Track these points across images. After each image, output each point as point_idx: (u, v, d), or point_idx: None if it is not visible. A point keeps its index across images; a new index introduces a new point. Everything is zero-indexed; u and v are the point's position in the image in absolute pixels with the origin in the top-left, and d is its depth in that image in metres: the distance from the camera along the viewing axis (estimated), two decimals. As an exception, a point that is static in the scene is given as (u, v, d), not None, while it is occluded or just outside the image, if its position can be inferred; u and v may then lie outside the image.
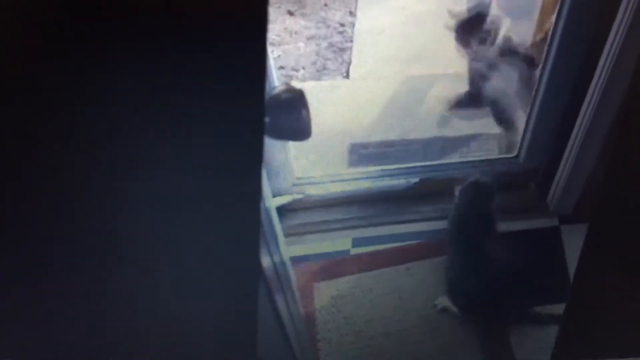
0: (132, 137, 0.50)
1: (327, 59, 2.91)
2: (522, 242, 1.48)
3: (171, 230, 0.51)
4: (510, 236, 1.60)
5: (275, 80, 1.52)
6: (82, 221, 0.49)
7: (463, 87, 1.98)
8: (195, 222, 0.51)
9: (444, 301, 1.48)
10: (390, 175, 1.84)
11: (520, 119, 2.04)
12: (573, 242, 1.34)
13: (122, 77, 0.51)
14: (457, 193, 1.59)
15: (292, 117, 0.67)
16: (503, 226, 1.78)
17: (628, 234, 0.85)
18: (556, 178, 1.73)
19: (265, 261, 0.89)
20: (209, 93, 0.52)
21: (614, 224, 0.85)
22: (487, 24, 1.83)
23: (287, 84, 0.69)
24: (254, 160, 0.51)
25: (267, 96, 0.65)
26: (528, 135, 1.80)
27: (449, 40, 2.91)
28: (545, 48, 1.66)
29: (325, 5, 3.17)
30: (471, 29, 1.81)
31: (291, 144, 1.67)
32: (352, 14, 3.14)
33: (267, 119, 0.64)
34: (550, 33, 1.67)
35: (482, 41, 1.84)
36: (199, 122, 0.51)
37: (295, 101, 0.67)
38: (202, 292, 0.52)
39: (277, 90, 0.67)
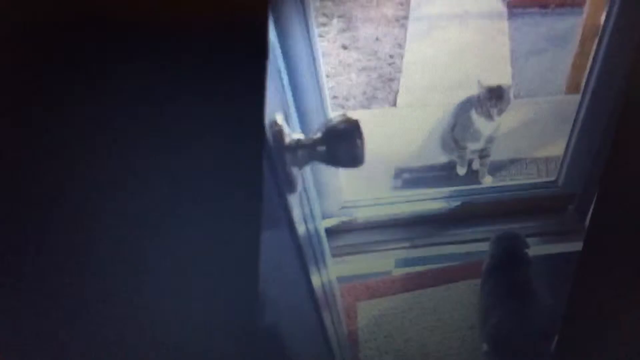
0: (130, 144, 0.48)
1: (377, 89, 2.88)
2: (559, 275, 1.38)
3: (168, 234, 0.49)
4: (548, 270, 1.50)
5: (329, 108, 1.50)
6: (81, 225, 0.47)
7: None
8: (193, 230, 0.49)
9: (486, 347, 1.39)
10: (433, 199, 1.79)
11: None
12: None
13: (122, 84, 0.49)
14: (490, 244, 1.50)
15: (348, 146, 0.65)
16: (542, 249, 1.70)
17: (625, 246, 0.78)
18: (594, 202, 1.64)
19: (315, 280, 0.86)
20: (207, 106, 0.50)
21: (611, 235, 0.78)
22: (506, 98, 1.86)
23: (344, 115, 0.67)
24: (253, 175, 0.49)
25: (324, 126, 0.65)
26: (567, 160, 1.71)
27: (490, 69, 2.83)
28: (585, 76, 1.56)
29: (377, 39, 3.14)
30: (493, 97, 1.82)
31: (341, 170, 1.65)
32: (401, 46, 3.10)
33: (323, 147, 0.63)
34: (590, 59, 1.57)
35: (500, 112, 1.84)
36: (197, 132, 0.49)
37: (352, 131, 0.66)
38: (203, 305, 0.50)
39: (334, 121, 0.66)
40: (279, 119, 0.60)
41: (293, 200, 0.67)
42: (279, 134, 0.60)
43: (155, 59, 0.49)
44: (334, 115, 0.78)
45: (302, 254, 0.70)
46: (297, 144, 0.63)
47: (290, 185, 0.63)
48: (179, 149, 0.49)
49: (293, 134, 0.65)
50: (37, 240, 0.47)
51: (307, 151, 0.64)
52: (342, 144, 0.63)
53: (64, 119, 0.48)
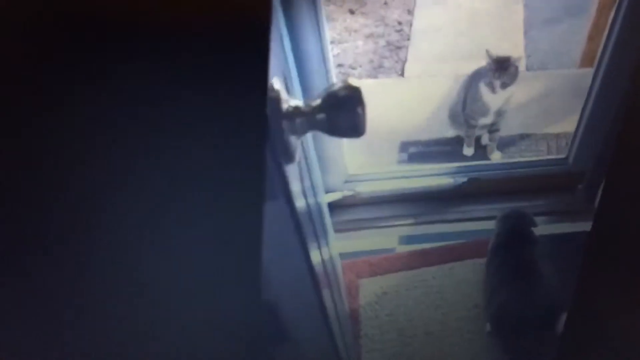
0: (131, 142, 0.46)
1: (384, 57, 2.80)
2: (565, 255, 1.34)
3: (168, 233, 0.47)
4: (554, 250, 1.47)
5: (333, 77, 1.45)
6: (80, 224, 0.46)
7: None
8: (193, 229, 0.47)
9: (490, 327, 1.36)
10: (439, 174, 1.74)
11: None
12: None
13: (123, 84, 0.47)
14: (496, 222, 1.45)
15: (348, 115, 0.61)
16: (550, 228, 1.66)
17: (635, 228, 0.75)
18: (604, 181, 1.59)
19: (314, 256, 0.83)
20: (208, 104, 0.48)
21: (620, 217, 0.75)
22: (511, 72, 1.78)
23: (345, 81, 0.62)
24: (255, 171, 0.46)
25: (324, 92, 0.61)
26: (578, 138, 1.65)
27: (503, 39, 2.75)
28: (599, 52, 1.50)
29: (385, 3, 3.05)
30: (499, 69, 1.77)
31: (345, 141, 1.60)
32: (410, 12, 3.01)
33: (323, 115, 0.59)
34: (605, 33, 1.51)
35: (504, 86, 1.78)
36: (197, 130, 0.47)
37: (352, 99, 0.61)
38: (203, 301, 0.48)
39: (334, 87, 0.62)
40: (277, 84, 0.55)
41: (291, 171, 0.63)
42: (276, 100, 0.55)
43: (154, 32, 0.48)
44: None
45: (300, 228, 0.66)
46: (295, 111, 0.58)
47: (288, 155, 0.59)
48: (176, 118, 0.47)
49: (291, 100, 0.60)
50: (34, 240, 0.45)
51: (306, 119, 0.59)
52: (342, 112, 0.58)
53: (59, 118, 0.46)
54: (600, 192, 0.94)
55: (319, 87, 1.39)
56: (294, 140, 0.61)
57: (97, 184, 0.46)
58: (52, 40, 0.48)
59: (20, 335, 0.47)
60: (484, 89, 1.81)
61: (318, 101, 0.60)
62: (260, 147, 0.47)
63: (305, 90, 1.32)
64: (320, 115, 0.60)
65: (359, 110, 0.60)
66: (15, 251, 0.45)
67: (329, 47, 1.41)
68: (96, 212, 0.46)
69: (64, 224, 0.45)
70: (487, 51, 1.76)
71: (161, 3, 0.51)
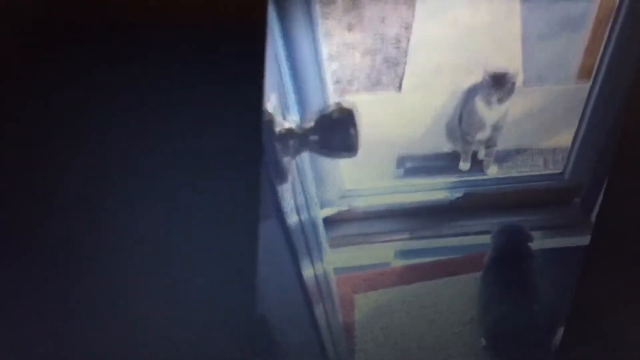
0: (126, 142, 0.47)
1: (382, 73, 2.83)
2: (562, 270, 1.36)
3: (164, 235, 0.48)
4: (551, 264, 1.48)
5: (331, 93, 1.48)
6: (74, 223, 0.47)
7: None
8: (189, 232, 0.48)
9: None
10: (435, 189, 1.76)
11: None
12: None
13: (119, 82, 0.48)
14: (492, 237, 1.47)
15: (342, 136, 0.63)
16: (546, 243, 1.68)
17: (633, 241, 0.77)
18: (601, 194, 1.61)
19: (307, 272, 0.85)
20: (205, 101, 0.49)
21: (619, 230, 0.77)
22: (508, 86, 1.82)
23: (339, 103, 0.64)
24: (248, 168, 0.48)
25: (318, 114, 0.63)
26: (574, 152, 1.68)
27: (500, 53, 2.78)
28: (595, 65, 1.53)
29: (383, 19, 3.08)
30: (495, 84, 1.78)
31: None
32: (407, 28, 3.04)
33: (316, 137, 0.61)
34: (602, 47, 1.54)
35: (500, 101, 1.81)
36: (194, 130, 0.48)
37: (346, 120, 0.63)
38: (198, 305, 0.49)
39: (328, 109, 0.64)
40: (269, 106, 0.58)
41: (284, 190, 0.65)
42: (269, 122, 0.58)
43: (149, 46, 0.49)
44: (336, 99, 0.76)
45: (292, 246, 0.68)
46: (288, 133, 0.61)
47: (281, 175, 0.61)
48: (173, 139, 0.48)
49: (285, 122, 0.62)
50: (25, 241, 0.46)
51: (299, 140, 0.61)
52: (335, 133, 0.61)
53: (53, 118, 0.47)
54: (597, 205, 0.96)
55: (316, 103, 1.42)
56: (287, 161, 0.63)
57: (93, 189, 0.46)
58: (52, 40, 0.49)
59: (20, 335, 0.48)
60: (480, 104, 1.83)
61: (311, 123, 0.63)
62: (256, 169, 0.49)
63: (302, 107, 1.35)
64: (314, 137, 0.62)
65: (352, 131, 0.62)
66: (12, 250, 0.46)
67: (325, 63, 1.43)
68: (89, 207, 0.46)
69: (64, 224, 0.46)
70: (484, 68, 1.80)
71: (163, 19, 0.52)
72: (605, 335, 0.87)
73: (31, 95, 0.48)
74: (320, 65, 1.40)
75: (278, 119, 0.61)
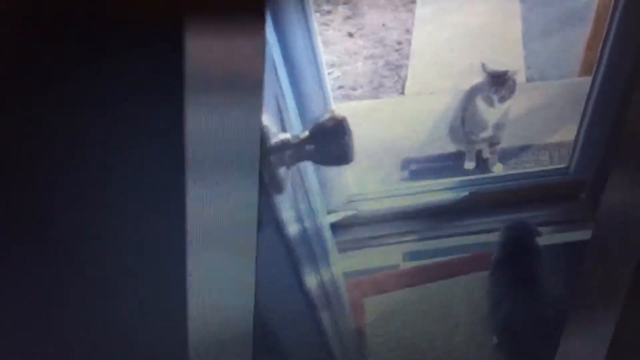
0: (112, 142, 0.48)
1: (384, 77, 2.84)
2: (569, 265, 1.36)
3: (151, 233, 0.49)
4: (558, 260, 1.48)
5: (332, 99, 1.49)
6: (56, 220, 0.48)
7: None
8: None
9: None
10: (441, 190, 1.77)
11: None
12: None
13: (108, 80, 0.49)
14: (500, 234, 1.48)
15: (335, 145, 0.65)
16: (553, 238, 1.68)
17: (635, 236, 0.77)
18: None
19: (312, 279, 0.86)
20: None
21: (620, 225, 0.77)
22: (509, 85, 1.81)
23: (332, 112, 0.67)
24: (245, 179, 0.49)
25: (312, 124, 0.65)
26: (579, 147, 1.68)
27: (502, 54, 2.79)
28: (597, 59, 1.53)
29: (384, 25, 3.10)
30: (496, 84, 1.79)
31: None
32: (408, 31, 3.06)
33: (312, 147, 0.63)
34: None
35: (502, 100, 1.81)
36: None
37: (338, 129, 0.65)
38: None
39: (321, 119, 0.66)
40: (264, 119, 0.60)
41: (282, 200, 0.67)
42: (264, 135, 0.60)
43: (139, 51, 0.49)
44: (339, 106, 0.78)
45: (292, 255, 0.70)
46: (284, 145, 0.63)
47: (277, 187, 0.63)
48: (167, 147, 0.48)
49: (280, 134, 0.64)
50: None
51: (295, 151, 0.63)
52: (329, 142, 0.63)
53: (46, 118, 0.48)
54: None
55: (317, 111, 1.44)
56: (283, 171, 0.65)
57: (90, 190, 0.47)
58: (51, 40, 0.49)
59: (19, 334, 0.49)
60: (481, 104, 1.84)
61: (306, 133, 0.65)
62: (253, 179, 0.49)
63: (303, 115, 1.37)
64: (309, 147, 0.64)
65: (346, 139, 0.64)
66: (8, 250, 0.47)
67: (327, 70, 1.45)
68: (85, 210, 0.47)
69: (62, 224, 0.47)
70: (483, 65, 1.80)
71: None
72: (605, 335, 0.87)
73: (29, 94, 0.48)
74: (320, 72, 1.42)
75: (274, 129, 0.64)
